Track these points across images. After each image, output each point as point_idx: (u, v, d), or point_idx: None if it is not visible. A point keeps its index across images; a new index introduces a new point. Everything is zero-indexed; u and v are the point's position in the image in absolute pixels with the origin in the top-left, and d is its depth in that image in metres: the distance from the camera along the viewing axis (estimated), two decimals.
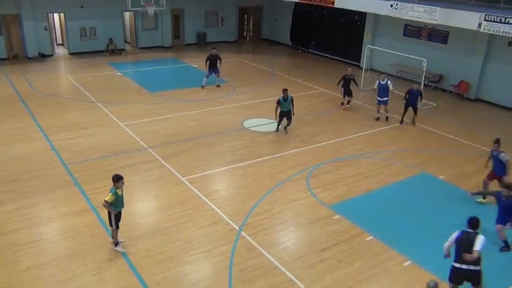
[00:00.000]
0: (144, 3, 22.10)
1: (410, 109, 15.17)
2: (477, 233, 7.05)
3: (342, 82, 16.56)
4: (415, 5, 17.72)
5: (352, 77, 16.54)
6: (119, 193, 8.17)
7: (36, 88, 17.90)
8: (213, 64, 18.21)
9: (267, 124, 14.99)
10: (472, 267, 6.94)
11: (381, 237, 9.14)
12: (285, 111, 14.04)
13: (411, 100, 15.06)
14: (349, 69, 17.24)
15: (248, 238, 9.00)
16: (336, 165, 12.27)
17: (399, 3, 18.24)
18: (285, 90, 14.03)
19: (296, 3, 25.21)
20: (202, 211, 9.85)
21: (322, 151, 13.12)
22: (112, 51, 24.26)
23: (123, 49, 25.08)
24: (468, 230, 7.14)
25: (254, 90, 18.81)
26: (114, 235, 8.44)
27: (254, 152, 12.80)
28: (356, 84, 16.96)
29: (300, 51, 27.02)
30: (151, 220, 9.51)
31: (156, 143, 13.18)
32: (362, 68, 20.75)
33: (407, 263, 8.47)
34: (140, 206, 10.13)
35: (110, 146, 12.90)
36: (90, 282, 7.66)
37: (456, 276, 7.14)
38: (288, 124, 14.24)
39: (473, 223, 7.16)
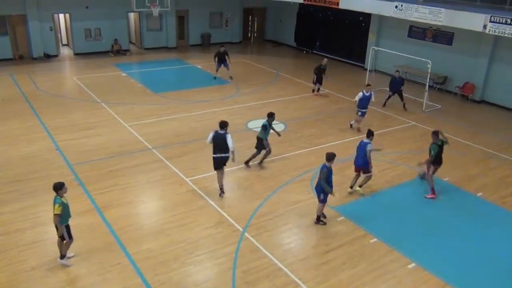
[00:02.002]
0: (149, 4, 22.17)
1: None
2: (226, 133, 10.01)
3: (316, 70, 18.13)
4: (420, 6, 17.66)
5: (326, 67, 18.10)
6: (65, 201, 7.73)
7: (41, 88, 17.97)
8: (221, 59, 19.60)
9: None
10: (224, 155, 10.10)
11: (386, 239, 9.11)
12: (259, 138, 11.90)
13: (394, 87, 16.61)
14: (325, 59, 18.65)
15: (252, 239, 8.99)
16: (340, 166, 12.21)
17: (404, 4, 18.19)
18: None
19: (301, 4, 25.20)
20: (206, 212, 9.85)
21: (326, 152, 13.06)
22: (117, 51, 24.33)
23: (128, 50, 25.15)
24: (220, 131, 10.01)
25: (258, 91, 18.81)
26: (65, 247, 7.95)
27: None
28: (324, 74, 18.22)
29: (305, 52, 27.00)
30: (155, 221, 9.52)
31: (160, 143, 13.20)
32: (366, 69, 20.75)
33: (412, 265, 8.44)
34: (144, 207, 10.15)
35: (114, 146, 12.93)
36: (94, 282, 7.68)
37: (216, 163, 10.20)
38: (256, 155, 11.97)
39: (222, 124, 10.07)
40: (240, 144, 13.35)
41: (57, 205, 7.55)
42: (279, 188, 10.99)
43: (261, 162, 12.06)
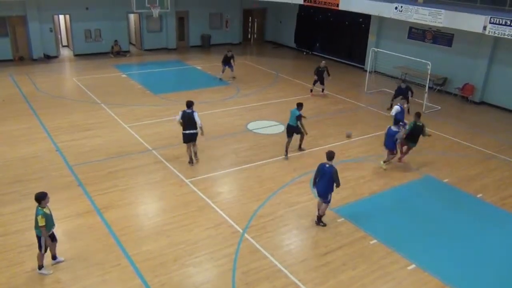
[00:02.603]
0: (149, 5, 22.20)
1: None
2: (193, 111, 11.47)
3: (316, 72, 18.34)
4: (420, 7, 17.68)
5: (325, 69, 18.31)
6: (47, 212, 7.54)
7: (41, 89, 17.98)
8: (226, 62, 19.99)
9: (271, 126, 14.99)
10: (193, 131, 11.55)
11: (385, 241, 9.11)
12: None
13: (400, 95, 16.14)
14: (323, 61, 18.71)
15: (252, 240, 8.98)
16: (340, 167, 12.09)
17: (403, 5, 18.21)
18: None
19: (301, 5, 25.22)
20: (206, 213, 9.85)
21: (327, 151, 13.05)
22: (117, 52, 24.33)
23: (128, 51, 25.15)
24: (187, 110, 11.43)
25: (258, 92, 18.82)
26: (40, 259, 7.77)
27: (258, 155, 12.80)
28: (328, 74, 18.47)
29: (304, 53, 27.01)
30: (155, 222, 9.52)
31: (160, 145, 13.20)
32: (366, 71, 20.75)
33: (411, 266, 8.43)
34: (144, 208, 10.14)
35: (114, 147, 12.93)
36: (93, 284, 7.67)
37: (186, 138, 11.66)
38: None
39: (188, 104, 11.51)
40: (240, 145, 13.39)
41: (40, 217, 7.36)
42: (279, 189, 10.99)
43: (300, 146, 13.13)
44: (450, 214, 10.32)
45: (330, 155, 9.31)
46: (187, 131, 11.56)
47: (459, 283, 8.06)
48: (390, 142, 12.05)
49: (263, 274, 8.06)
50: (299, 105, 12.51)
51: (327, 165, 9.23)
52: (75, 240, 8.75)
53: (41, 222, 7.39)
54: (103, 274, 7.90)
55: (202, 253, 8.54)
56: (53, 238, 7.88)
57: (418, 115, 12.38)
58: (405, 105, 16.54)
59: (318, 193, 9.45)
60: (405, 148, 12.59)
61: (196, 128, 11.53)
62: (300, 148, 13.15)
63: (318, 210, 9.60)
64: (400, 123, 13.42)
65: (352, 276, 8.13)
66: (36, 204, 7.55)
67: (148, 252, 8.50)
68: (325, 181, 9.22)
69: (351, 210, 10.25)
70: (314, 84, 18.59)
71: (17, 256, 8.24)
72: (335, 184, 9.18)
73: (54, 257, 8.10)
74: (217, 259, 8.39)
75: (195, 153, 12.00)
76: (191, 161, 11.94)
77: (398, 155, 12.57)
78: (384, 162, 12.29)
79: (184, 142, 11.74)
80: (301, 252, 8.78)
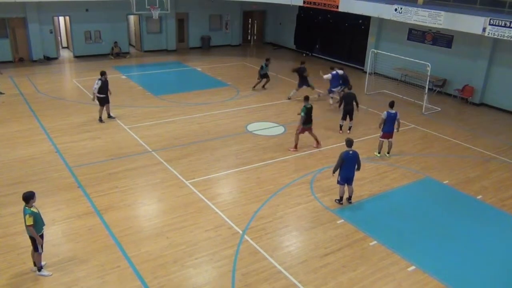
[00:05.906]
0: (149, 7, 22.22)
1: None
2: (99, 79, 14.28)
3: (343, 101, 14.69)
4: (420, 9, 17.69)
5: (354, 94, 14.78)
6: (35, 211, 7.53)
7: (41, 91, 17.98)
8: (301, 77, 18.11)
9: (271, 128, 14.99)
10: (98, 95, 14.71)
11: (385, 242, 9.11)
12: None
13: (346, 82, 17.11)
14: (349, 87, 15.41)
15: (251, 242, 8.98)
16: None
17: (403, 7, 18.23)
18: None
19: (300, 7, 25.25)
20: (206, 215, 9.85)
21: (326, 155, 13.10)
22: (116, 54, 24.35)
23: (128, 53, 25.16)
24: (101, 78, 14.35)
25: (258, 94, 18.82)
26: (38, 260, 7.73)
27: (258, 156, 12.80)
28: (357, 105, 14.85)
29: (304, 54, 27.01)
30: (154, 223, 9.52)
31: (159, 146, 13.20)
32: (366, 72, 20.75)
33: (412, 268, 8.43)
34: (144, 209, 10.14)
35: (114, 149, 12.93)
36: (93, 285, 7.67)
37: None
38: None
39: (101, 72, 14.44)
40: (240, 147, 13.39)
41: (27, 216, 7.34)
42: (279, 190, 10.99)
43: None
44: (450, 215, 10.32)
45: (351, 142, 10.32)
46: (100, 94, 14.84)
47: (459, 284, 8.06)
48: (392, 126, 12.79)
49: (263, 275, 8.06)
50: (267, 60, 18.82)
51: (351, 152, 10.17)
52: (74, 242, 8.75)
53: (29, 221, 7.35)
54: (102, 275, 7.89)
55: (202, 255, 8.54)
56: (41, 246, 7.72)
57: (306, 98, 13.23)
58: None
59: (347, 179, 10.24)
60: (301, 128, 13.06)
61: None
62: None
63: (343, 193, 10.43)
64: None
65: (352, 277, 8.13)
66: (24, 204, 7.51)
67: (147, 254, 8.49)
68: (353, 166, 10.19)
69: (351, 211, 10.25)
70: (344, 117, 14.73)
71: (17, 258, 8.23)
72: (356, 167, 10.23)
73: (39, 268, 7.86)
74: (217, 261, 8.39)
75: (103, 115, 15.03)
76: (102, 120, 14.97)
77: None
78: (389, 152, 13.05)
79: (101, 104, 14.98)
80: (301, 254, 8.77)
